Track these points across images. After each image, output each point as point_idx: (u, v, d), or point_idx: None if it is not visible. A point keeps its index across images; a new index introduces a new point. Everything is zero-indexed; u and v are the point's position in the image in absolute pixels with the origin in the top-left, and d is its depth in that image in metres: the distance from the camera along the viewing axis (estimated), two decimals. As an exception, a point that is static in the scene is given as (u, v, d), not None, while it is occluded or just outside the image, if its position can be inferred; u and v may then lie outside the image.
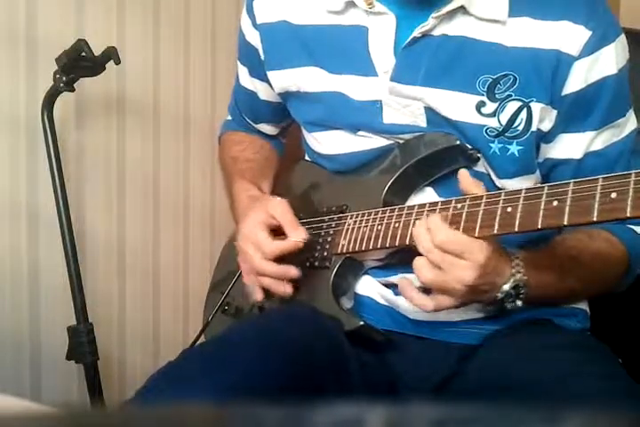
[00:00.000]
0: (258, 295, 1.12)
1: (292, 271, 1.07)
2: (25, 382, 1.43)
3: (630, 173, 0.78)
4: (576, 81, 1.01)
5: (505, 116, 1.02)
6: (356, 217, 1.08)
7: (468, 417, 0.31)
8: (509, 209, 0.87)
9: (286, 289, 1.08)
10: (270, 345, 0.90)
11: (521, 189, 0.88)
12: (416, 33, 1.03)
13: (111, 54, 1.26)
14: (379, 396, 1.01)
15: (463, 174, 0.98)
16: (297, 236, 1.06)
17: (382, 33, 1.06)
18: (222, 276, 1.31)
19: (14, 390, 1.39)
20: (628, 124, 1.08)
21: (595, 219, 0.80)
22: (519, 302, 0.97)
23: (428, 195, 1.07)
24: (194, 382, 0.82)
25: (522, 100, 1.02)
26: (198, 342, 1.21)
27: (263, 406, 0.31)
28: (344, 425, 0.30)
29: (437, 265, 0.92)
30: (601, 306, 1.16)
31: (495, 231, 0.88)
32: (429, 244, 0.92)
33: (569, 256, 1.03)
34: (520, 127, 1.03)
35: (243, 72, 1.29)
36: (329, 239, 1.11)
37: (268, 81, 1.21)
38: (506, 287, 0.95)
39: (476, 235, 0.90)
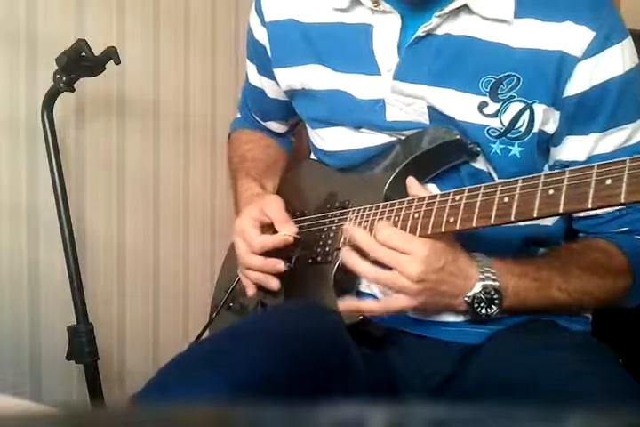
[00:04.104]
0: (249, 290, 1.14)
1: (279, 265, 1.08)
2: (25, 382, 1.43)
3: (625, 160, 0.78)
4: (579, 82, 1.00)
5: (507, 117, 1.02)
6: (358, 212, 1.08)
7: (469, 417, 0.31)
8: (506, 199, 0.88)
9: (273, 284, 1.09)
10: (276, 340, 0.90)
11: (518, 179, 0.88)
12: (420, 32, 1.03)
13: (111, 54, 1.26)
14: (380, 392, 1.01)
15: (411, 181, 1.01)
16: (286, 230, 1.07)
17: (387, 31, 1.06)
18: (227, 273, 1.32)
19: (14, 390, 1.39)
20: None
21: (589, 206, 0.80)
22: (494, 309, 0.97)
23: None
24: (201, 379, 0.82)
25: (524, 102, 1.01)
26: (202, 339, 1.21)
27: (265, 405, 0.31)
28: (346, 425, 0.30)
29: (382, 263, 0.95)
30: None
31: (492, 221, 0.89)
32: (372, 242, 0.95)
33: (552, 266, 1.02)
34: (522, 128, 1.02)
35: (251, 70, 1.29)
36: (331, 235, 1.11)
37: (275, 78, 1.21)
38: (474, 291, 0.96)
39: (474, 225, 0.90)
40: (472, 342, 1.07)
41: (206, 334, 1.24)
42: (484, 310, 0.97)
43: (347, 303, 1.01)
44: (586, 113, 1.02)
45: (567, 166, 1.05)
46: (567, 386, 0.90)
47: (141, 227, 1.61)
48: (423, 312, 1.04)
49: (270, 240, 1.08)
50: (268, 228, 1.10)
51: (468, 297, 0.97)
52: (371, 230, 1.01)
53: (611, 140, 1.04)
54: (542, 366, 0.96)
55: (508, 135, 1.03)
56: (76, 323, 1.35)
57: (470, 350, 1.06)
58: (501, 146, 1.03)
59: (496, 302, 0.97)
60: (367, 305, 0.99)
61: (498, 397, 0.91)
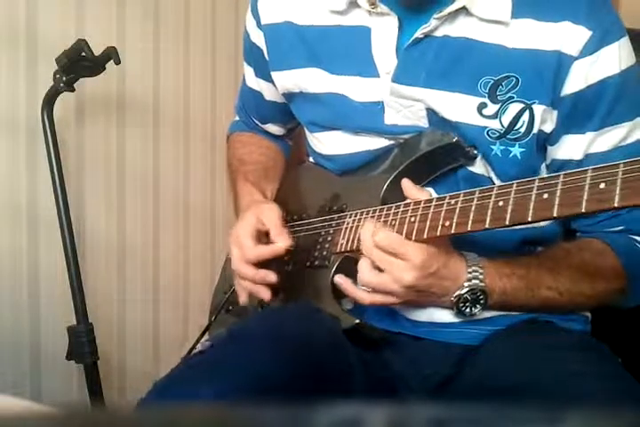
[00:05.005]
0: (242, 298, 1.14)
1: (270, 277, 1.08)
2: (25, 382, 1.43)
3: (619, 164, 0.78)
4: (576, 81, 1.00)
5: (507, 118, 1.02)
6: (355, 216, 1.08)
7: (469, 418, 0.31)
8: (501, 203, 0.88)
9: (264, 294, 1.09)
10: (273, 344, 0.90)
11: (513, 183, 0.88)
12: (418, 34, 1.02)
13: (111, 54, 1.26)
14: (380, 394, 1.01)
15: (406, 183, 1.01)
16: (280, 242, 1.08)
17: (385, 34, 1.06)
18: (227, 276, 1.32)
19: (14, 390, 1.39)
20: (638, 130, 1.05)
21: (583, 210, 0.80)
22: (477, 308, 0.99)
23: (427, 195, 1.07)
24: (200, 385, 0.82)
25: (524, 102, 1.01)
26: (201, 341, 1.21)
27: (263, 407, 0.31)
28: (345, 425, 0.30)
29: (377, 266, 0.95)
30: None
31: (487, 225, 0.89)
32: (371, 244, 0.96)
33: (542, 266, 1.02)
34: (522, 129, 1.02)
35: (249, 72, 1.29)
36: (329, 239, 1.11)
37: (272, 81, 1.21)
38: (460, 292, 0.97)
39: (469, 229, 0.90)
40: (470, 343, 1.07)
41: (205, 336, 1.24)
42: (467, 309, 0.99)
43: (344, 284, 1.02)
44: (582, 112, 1.02)
45: (563, 165, 1.05)
46: (566, 386, 0.90)
47: (141, 227, 1.61)
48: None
49: (263, 251, 1.08)
50: (264, 235, 1.10)
51: (455, 297, 0.98)
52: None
53: (606, 139, 1.04)
54: (541, 366, 0.96)
55: (508, 136, 1.03)
56: (76, 323, 1.35)
57: (469, 351, 1.06)
58: (501, 147, 1.03)
59: (481, 302, 0.99)
60: (358, 294, 1.01)
61: (497, 397, 0.91)
